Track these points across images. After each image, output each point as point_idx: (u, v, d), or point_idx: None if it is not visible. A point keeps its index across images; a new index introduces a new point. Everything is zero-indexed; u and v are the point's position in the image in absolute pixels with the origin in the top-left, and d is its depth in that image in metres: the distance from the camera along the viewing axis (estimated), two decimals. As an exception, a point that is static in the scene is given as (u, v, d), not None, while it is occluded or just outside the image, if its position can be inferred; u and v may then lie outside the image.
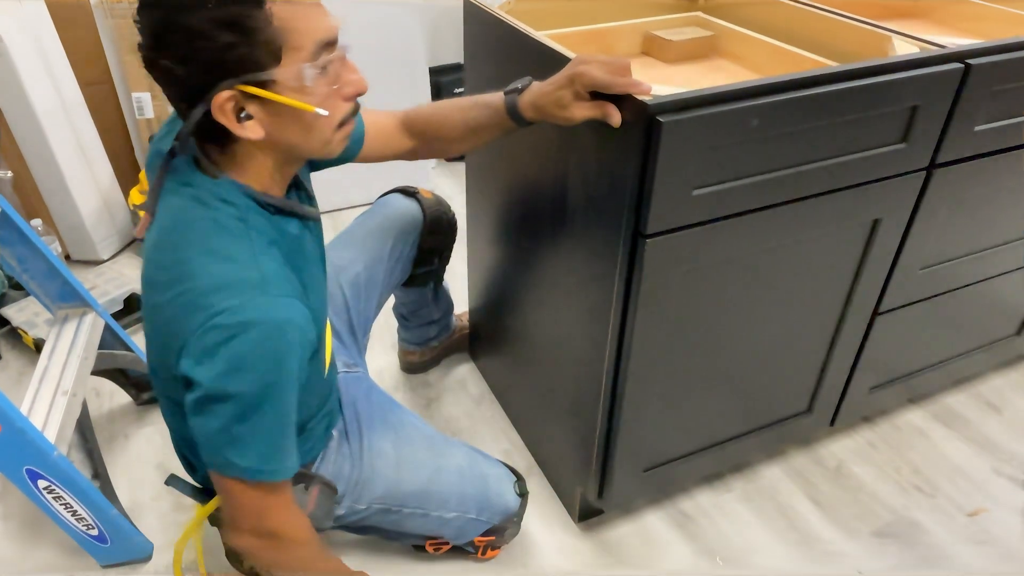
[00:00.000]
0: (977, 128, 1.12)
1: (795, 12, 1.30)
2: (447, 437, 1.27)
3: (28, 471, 1.15)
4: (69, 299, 1.46)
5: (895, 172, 1.10)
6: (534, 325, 1.37)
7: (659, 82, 1.20)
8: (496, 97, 1.02)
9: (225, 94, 0.76)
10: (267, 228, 0.86)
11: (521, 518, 1.26)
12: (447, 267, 1.56)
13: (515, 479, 1.25)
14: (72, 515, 1.22)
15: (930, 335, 1.46)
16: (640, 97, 0.88)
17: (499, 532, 1.24)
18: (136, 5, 0.76)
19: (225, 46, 0.74)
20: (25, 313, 1.79)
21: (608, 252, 1.01)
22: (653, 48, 1.32)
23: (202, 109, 0.77)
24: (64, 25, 1.96)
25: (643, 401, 1.16)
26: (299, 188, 0.98)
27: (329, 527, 1.15)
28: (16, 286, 1.88)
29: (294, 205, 0.91)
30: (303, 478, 1.07)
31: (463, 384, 1.73)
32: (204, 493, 1.10)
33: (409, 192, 1.44)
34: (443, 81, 2.57)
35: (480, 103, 1.05)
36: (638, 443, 1.23)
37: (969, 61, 1.04)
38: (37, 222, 1.93)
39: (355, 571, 1.08)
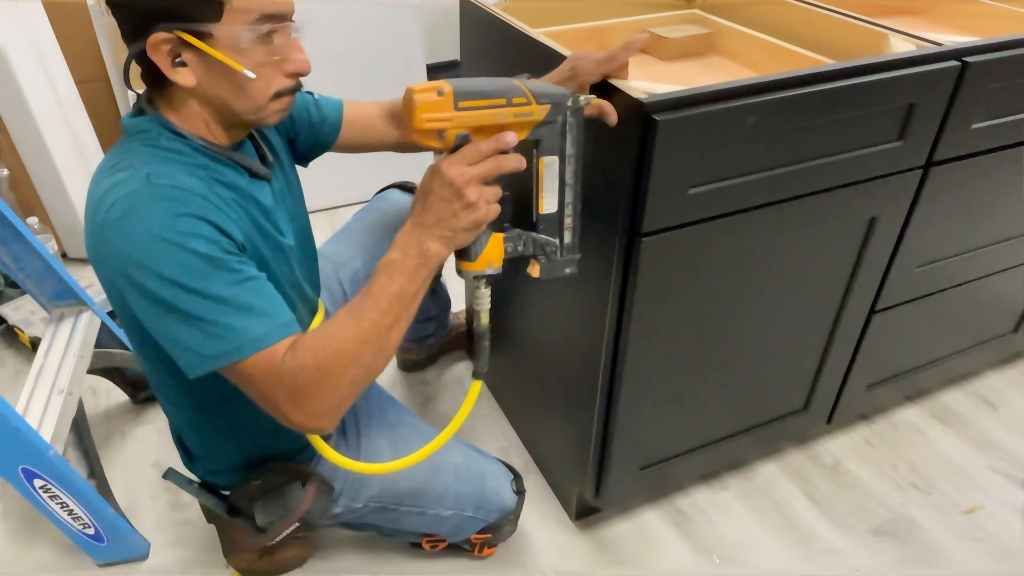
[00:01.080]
0: (974, 126, 1.12)
1: (792, 9, 1.30)
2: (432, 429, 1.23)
3: (24, 470, 1.14)
4: (65, 297, 1.46)
5: (891, 170, 1.10)
6: (530, 323, 1.37)
7: (656, 79, 1.21)
8: None
9: (161, 35, 0.77)
10: (187, 156, 0.84)
11: (518, 516, 1.26)
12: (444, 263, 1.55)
13: (512, 476, 1.25)
14: (68, 514, 1.22)
15: (927, 333, 1.46)
16: (636, 96, 0.87)
17: (496, 530, 1.24)
18: None
19: (164, 8, 0.76)
20: (21, 311, 1.78)
21: (604, 250, 1.01)
22: (650, 45, 1.32)
23: (138, 46, 0.79)
24: (60, 22, 1.95)
25: (639, 399, 1.16)
26: (258, 148, 0.96)
27: (325, 525, 1.15)
28: (12, 284, 1.87)
29: (231, 153, 0.88)
30: (299, 475, 1.07)
31: (460, 382, 1.73)
32: (204, 488, 1.10)
33: (407, 187, 1.43)
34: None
35: None
36: (634, 441, 1.22)
37: (966, 59, 1.04)
38: (33, 220, 1.92)
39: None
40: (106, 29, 2.06)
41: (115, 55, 2.09)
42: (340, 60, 2.15)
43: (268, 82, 0.84)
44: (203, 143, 0.86)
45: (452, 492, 1.18)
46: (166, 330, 0.79)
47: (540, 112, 0.83)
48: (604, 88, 0.93)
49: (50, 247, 1.93)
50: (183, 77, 0.81)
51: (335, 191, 2.40)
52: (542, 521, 1.40)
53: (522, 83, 0.82)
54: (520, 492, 1.25)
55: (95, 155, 2.09)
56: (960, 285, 1.39)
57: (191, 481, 1.10)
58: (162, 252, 0.75)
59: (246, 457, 1.07)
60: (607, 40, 1.30)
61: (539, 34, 1.10)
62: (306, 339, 0.82)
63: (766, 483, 1.48)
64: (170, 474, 1.09)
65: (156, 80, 0.83)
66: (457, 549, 1.29)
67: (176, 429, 1.09)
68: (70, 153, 1.98)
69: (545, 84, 0.85)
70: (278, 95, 0.86)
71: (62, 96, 1.95)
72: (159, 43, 0.78)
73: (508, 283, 1.44)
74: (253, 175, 0.92)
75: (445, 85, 0.78)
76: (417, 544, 1.28)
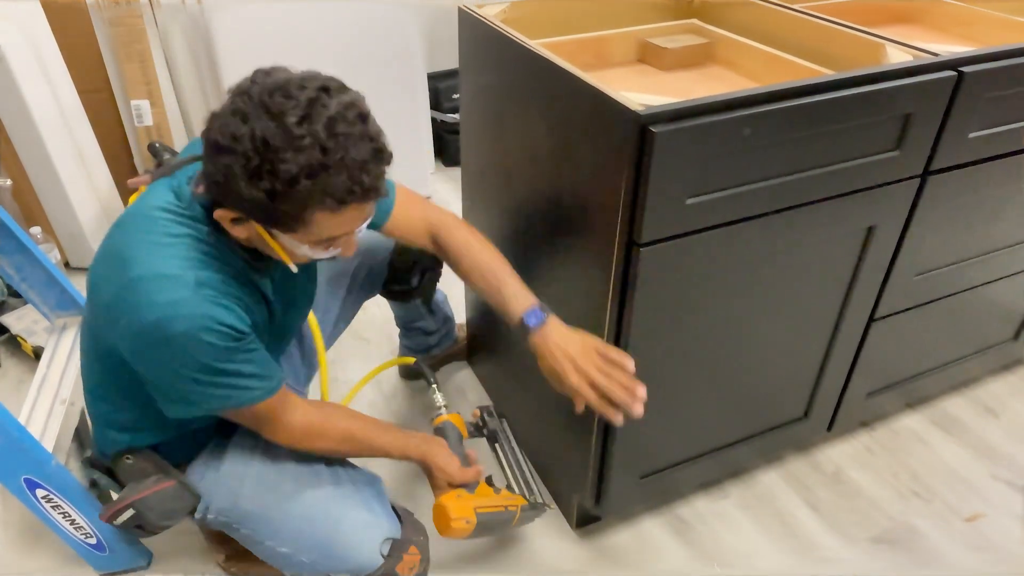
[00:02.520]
0: (971, 135, 1.13)
1: (790, 19, 1.30)
2: (345, 471, 1.13)
3: (26, 480, 1.15)
4: (67, 307, 1.46)
5: (889, 179, 1.10)
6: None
7: (654, 89, 1.22)
8: (517, 306, 1.08)
9: (231, 214, 0.87)
10: (223, 253, 0.94)
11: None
12: (436, 285, 1.54)
13: (388, 538, 1.05)
14: (70, 524, 1.22)
15: (927, 340, 1.46)
16: (633, 107, 0.88)
17: None
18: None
19: (250, 210, 0.84)
20: (24, 321, 1.79)
21: (603, 260, 1.02)
22: (648, 55, 1.32)
23: (207, 200, 0.89)
24: (63, 32, 1.96)
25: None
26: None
27: (167, 526, 1.12)
28: (15, 294, 1.88)
29: (251, 263, 0.98)
30: (163, 469, 1.09)
31: (462, 391, 1.73)
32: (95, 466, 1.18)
33: None
34: (441, 87, 2.58)
35: (504, 293, 1.10)
36: (635, 450, 1.23)
37: (962, 69, 1.04)
38: (36, 230, 1.93)
39: (413, 435, 1.16)
40: (109, 39, 2.08)
41: (117, 65, 2.10)
42: (341, 59, 2.16)
43: (307, 257, 0.94)
44: (242, 252, 0.96)
45: (292, 529, 1.05)
46: (164, 392, 0.96)
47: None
48: (595, 98, 0.94)
49: (52, 257, 1.94)
50: (237, 231, 0.90)
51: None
52: (543, 530, 1.40)
53: (518, 517, 1.21)
54: (389, 557, 1.03)
55: (97, 165, 2.10)
56: (959, 293, 1.39)
57: (88, 458, 1.19)
58: (194, 347, 0.89)
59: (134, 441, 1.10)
60: (606, 50, 1.31)
61: (537, 45, 1.11)
62: (301, 424, 1.04)
63: (767, 491, 1.48)
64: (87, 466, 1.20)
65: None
66: None
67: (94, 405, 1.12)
68: (72, 163, 1.99)
69: (529, 514, 1.24)
70: (314, 260, 0.97)
71: (65, 106, 1.96)
72: (225, 216, 0.87)
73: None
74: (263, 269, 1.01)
75: (467, 533, 1.11)
76: None
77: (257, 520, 1.07)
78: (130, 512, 1.08)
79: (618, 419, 1.02)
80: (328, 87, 0.83)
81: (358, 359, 1.81)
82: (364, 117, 0.84)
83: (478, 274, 1.14)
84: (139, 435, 1.08)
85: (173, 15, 2.10)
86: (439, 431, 1.22)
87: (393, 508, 1.12)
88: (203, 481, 1.11)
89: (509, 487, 1.26)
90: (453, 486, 1.13)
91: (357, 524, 1.05)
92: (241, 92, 0.82)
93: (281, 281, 1.05)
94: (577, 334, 1.05)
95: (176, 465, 1.11)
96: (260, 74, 0.84)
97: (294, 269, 0.95)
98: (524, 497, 1.24)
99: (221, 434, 1.14)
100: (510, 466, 1.29)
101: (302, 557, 1.04)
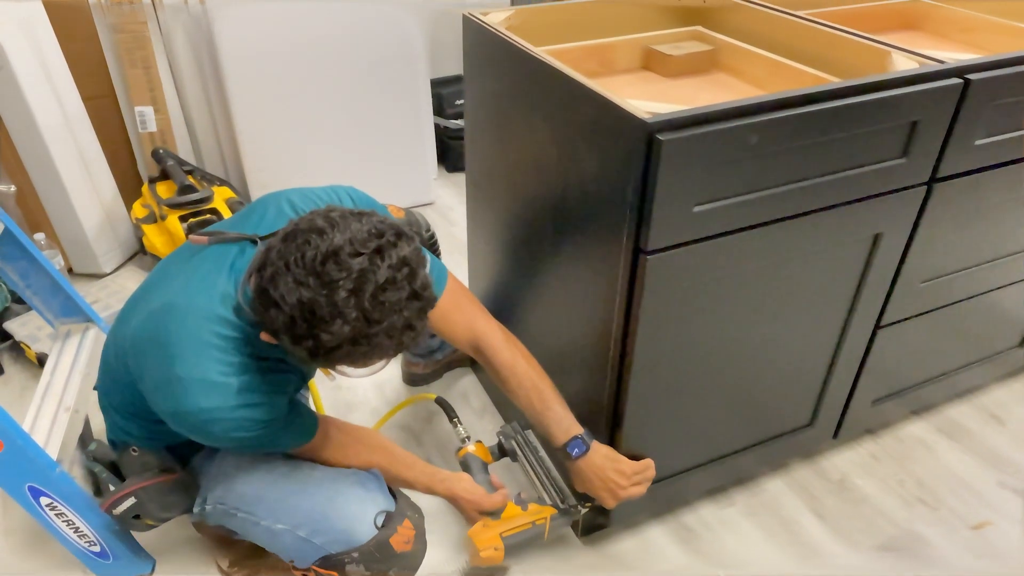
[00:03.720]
0: (977, 142, 1.13)
1: (795, 26, 1.30)
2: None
3: (30, 488, 1.14)
4: (71, 314, 1.46)
5: (895, 187, 1.10)
6: (535, 338, 1.37)
7: (659, 96, 1.22)
8: (561, 434, 1.14)
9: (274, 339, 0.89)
10: (271, 355, 1.00)
11: (375, 559, 1.03)
12: None
13: (382, 511, 1.05)
14: (74, 531, 1.22)
15: (933, 347, 1.45)
16: (640, 115, 0.88)
17: (336, 566, 1.03)
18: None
19: (288, 350, 0.88)
20: (28, 327, 1.79)
21: (609, 268, 1.01)
22: (653, 62, 1.32)
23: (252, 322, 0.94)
24: (67, 39, 1.97)
25: (645, 416, 1.16)
26: None
27: (165, 519, 1.15)
28: (18, 300, 1.88)
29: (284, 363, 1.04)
30: (165, 463, 1.13)
31: (465, 396, 1.73)
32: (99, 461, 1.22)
33: None
34: (444, 93, 2.58)
35: (548, 418, 1.15)
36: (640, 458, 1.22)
37: (968, 76, 1.04)
38: (40, 236, 1.93)
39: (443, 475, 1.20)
40: (113, 46, 2.08)
41: (121, 71, 2.11)
42: (344, 65, 2.17)
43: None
44: (263, 353, 0.99)
45: (289, 504, 1.06)
46: (200, 439, 1.03)
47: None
48: (601, 105, 0.94)
49: (56, 263, 1.93)
50: (269, 338, 0.90)
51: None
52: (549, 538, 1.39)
53: (548, 528, 1.22)
54: (383, 527, 1.04)
55: (101, 171, 2.10)
56: (965, 300, 1.39)
57: (94, 456, 1.22)
58: (230, 437, 0.99)
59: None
60: (610, 57, 1.31)
61: (541, 52, 1.11)
62: (348, 452, 1.14)
63: (772, 499, 1.47)
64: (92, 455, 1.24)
65: None
66: None
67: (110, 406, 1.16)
68: (77, 169, 2.00)
69: (560, 520, 1.24)
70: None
71: (69, 112, 1.97)
72: (271, 338, 0.90)
73: (512, 297, 1.44)
74: None
75: (500, 558, 1.17)
76: None
77: (253, 500, 1.08)
78: (131, 501, 1.09)
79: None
80: (382, 249, 0.83)
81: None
82: (413, 275, 0.85)
83: (523, 393, 1.17)
84: (152, 442, 1.14)
85: (175, 15, 2.10)
86: (463, 464, 1.28)
87: (389, 489, 1.13)
88: (201, 474, 1.15)
89: (540, 499, 1.28)
90: (483, 514, 1.19)
91: (351, 497, 1.06)
92: (297, 245, 0.83)
93: None
94: (612, 462, 1.15)
95: (181, 462, 1.16)
96: (313, 230, 0.83)
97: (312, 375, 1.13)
98: (555, 506, 1.26)
99: None
100: (538, 476, 1.30)
101: (299, 532, 1.04)
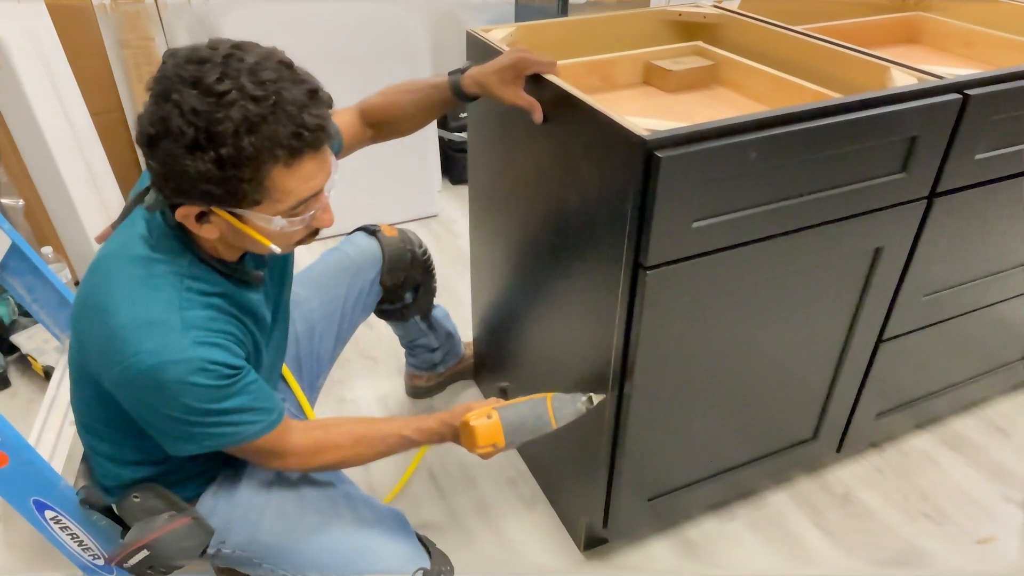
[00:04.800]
0: (977, 156, 1.13)
1: (795, 42, 1.31)
2: (367, 506, 1.11)
3: (35, 502, 1.15)
4: (78, 328, 1.47)
5: (895, 201, 1.10)
6: (538, 353, 1.38)
7: (659, 111, 1.22)
8: (440, 77, 1.12)
9: (191, 208, 0.83)
10: (208, 282, 0.91)
11: None
12: (432, 298, 1.56)
13: (421, 569, 1.04)
14: (78, 545, 1.23)
15: (936, 361, 1.45)
16: (638, 132, 0.89)
17: None
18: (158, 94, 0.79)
19: (208, 191, 0.79)
20: (35, 340, 1.80)
21: (609, 283, 1.02)
22: (654, 77, 1.33)
23: (165, 204, 0.86)
24: (76, 55, 1.99)
25: (647, 430, 1.16)
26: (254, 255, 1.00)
27: (180, 566, 1.10)
28: (25, 313, 1.90)
29: (236, 270, 0.95)
30: (175, 506, 1.05)
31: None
32: (93, 505, 1.11)
33: (371, 230, 1.44)
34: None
35: (426, 84, 1.14)
36: (643, 472, 1.22)
37: (967, 92, 1.05)
38: (48, 249, 1.95)
39: (403, 420, 1.09)
40: (121, 61, 2.10)
41: (130, 87, 2.13)
42: (350, 77, 2.17)
43: (290, 240, 0.91)
44: (219, 264, 0.92)
45: (323, 561, 1.03)
46: (165, 433, 0.93)
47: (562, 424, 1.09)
48: (601, 122, 0.94)
49: (63, 276, 1.95)
50: (206, 232, 0.86)
51: (344, 219, 2.41)
52: (550, 551, 1.39)
53: (552, 414, 1.07)
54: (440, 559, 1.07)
55: (108, 185, 2.12)
56: (968, 313, 1.39)
57: (84, 499, 1.12)
58: (188, 391, 0.86)
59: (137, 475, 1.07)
60: (611, 72, 1.32)
61: (542, 69, 1.12)
62: (323, 445, 1.02)
63: (776, 512, 1.47)
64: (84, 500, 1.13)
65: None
66: None
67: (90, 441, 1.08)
68: (84, 183, 2.02)
69: (568, 408, 1.08)
70: (297, 243, 0.94)
71: (77, 127, 1.99)
72: (187, 211, 0.83)
73: (514, 311, 1.45)
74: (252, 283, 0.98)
75: (499, 436, 1.04)
76: None
77: (280, 554, 1.05)
78: (143, 554, 1.03)
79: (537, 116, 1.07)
80: (240, 44, 0.80)
81: (365, 377, 1.81)
82: (288, 64, 0.81)
83: (406, 96, 1.15)
84: (141, 468, 1.05)
85: (182, 30, 2.12)
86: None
87: (419, 538, 1.11)
88: (216, 514, 1.07)
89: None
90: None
91: (387, 554, 1.04)
92: (156, 79, 0.79)
93: (270, 288, 1.04)
94: (501, 56, 1.08)
95: (186, 500, 1.07)
96: (168, 55, 0.80)
97: (278, 251, 0.89)
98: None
99: (231, 465, 1.10)
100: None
101: None
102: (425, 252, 1.48)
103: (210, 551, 1.08)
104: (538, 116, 1.07)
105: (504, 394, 1.20)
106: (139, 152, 0.93)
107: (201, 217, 0.84)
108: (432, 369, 1.71)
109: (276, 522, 1.05)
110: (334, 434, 1.05)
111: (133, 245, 0.89)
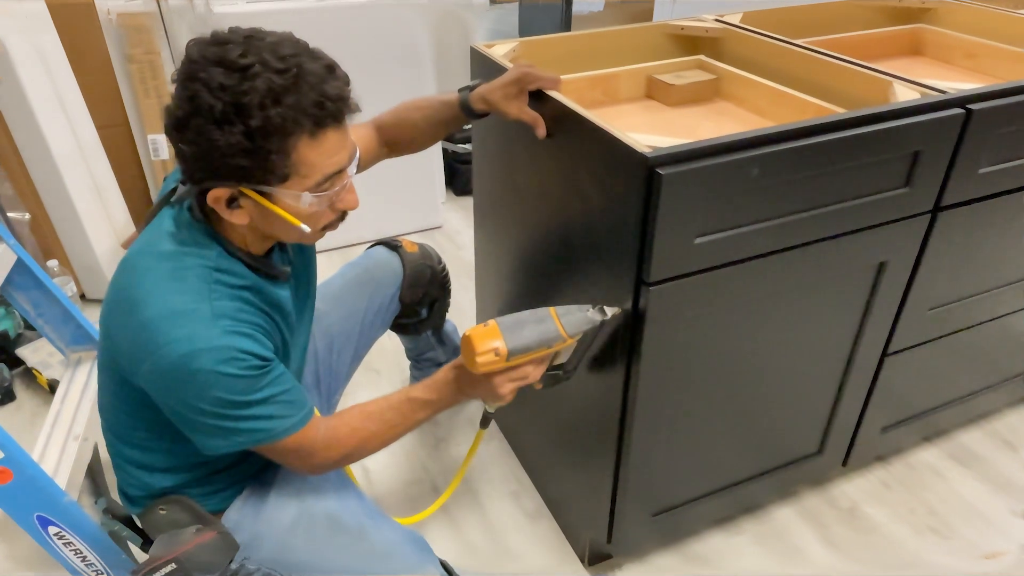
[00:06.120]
0: (981, 171, 1.13)
1: (797, 56, 1.31)
2: (388, 521, 1.13)
3: (39, 517, 1.15)
4: (82, 342, 1.48)
5: (899, 216, 1.10)
6: (541, 367, 1.37)
7: (662, 126, 1.23)
8: (450, 95, 1.14)
9: (222, 191, 0.84)
10: (237, 275, 0.92)
11: None
12: (446, 313, 1.55)
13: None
14: (82, 561, 1.22)
15: (942, 374, 1.44)
16: (640, 149, 0.89)
17: None
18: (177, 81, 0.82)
19: (238, 166, 0.81)
20: (39, 354, 1.81)
21: (613, 299, 1.02)
22: (656, 91, 1.33)
23: (193, 196, 0.88)
24: (82, 70, 2.01)
25: (651, 445, 1.15)
26: (283, 247, 1.02)
27: None
28: (30, 327, 1.90)
29: (263, 264, 0.96)
30: (202, 519, 1.04)
31: (473, 423, 1.73)
32: (116, 516, 1.11)
33: (392, 246, 1.44)
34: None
35: (435, 101, 1.16)
36: (647, 487, 1.22)
37: (970, 106, 1.04)
38: (53, 263, 1.96)
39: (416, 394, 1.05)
40: (127, 76, 2.12)
41: (135, 101, 2.14)
42: (346, 64, 2.17)
43: (318, 221, 0.91)
44: (247, 257, 0.93)
45: (349, 572, 1.06)
46: (197, 428, 0.91)
47: (574, 340, 1.02)
48: (602, 139, 0.95)
49: (68, 289, 1.96)
50: (237, 217, 0.87)
51: (351, 230, 2.42)
52: (554, 566, 1.38)
53: (558, 320, 0.99)
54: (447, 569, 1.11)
55: (114, 198, 2.13)
56: (975, 327, 1.38)
57: (107, 510, 1.12)
58: (220, 381, 0.86)
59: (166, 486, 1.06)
60: (614, 86, 1.32)
61: (545, 85, 1.12)
62: (339, 434, 0.99)
63: (782, 527, 1.46)
64: (108, 517, 1.12)
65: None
66: None
67: (118, 447, 1.07)
68: (90, 197, 2.03)
69: (576, 316, 1.00)
70: (324, 227, 0.94)
71: (83, 141, 2.00)
72: (218, 195, 0.84)
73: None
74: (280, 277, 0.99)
75: (499, 340, 0.96)
76: None
77: (310, 569, 1.06)
78: (170, 567, 1.02)
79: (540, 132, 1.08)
80: (258, 28, 0.83)
81: (368, 389, 1.81)
82: (305, 45, 0.84)
83: (417, 114, 1.17)
84: (169, 476, 1.04)
85: (182, 21, 2.13)
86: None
87: (441, 563, 1.12)
88: (242, 529, 1.06)
89: None
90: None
91: (408, 555, 1.08)
92: (182, 65, 0.82)
93: (296, 288, 1.05)
94: (506, 72, 1.11)
95: (211, 513, 1.06)
96: (191, 43, 0.83)
97: (307, 230, 0.89)
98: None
99: (258, 478, 1.10)
100: None
101: None
102: (444, 269, 1.48)
103: (233, 566, 1.07)
104: (541, 131, 1.07)
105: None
106: (168, 143, 0.94)
107: (231, 203, 0.86)
108: (438, 367, 1.69)
109: (305, 541, 1.05)
110: (345, 419, 1.03)
111: (161, 241, 0.90)
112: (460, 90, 1.14)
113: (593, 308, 1.01)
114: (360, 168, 1.15)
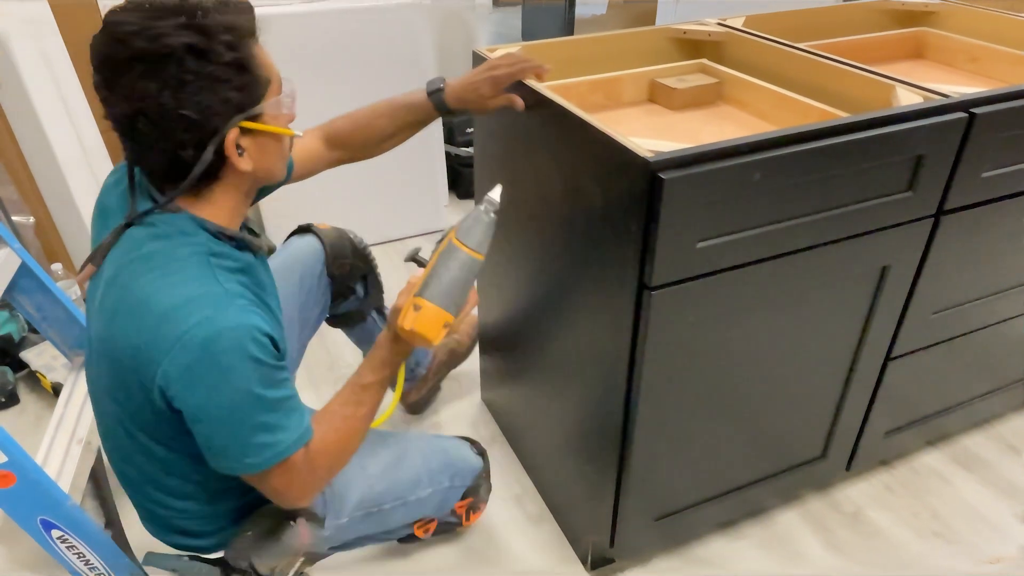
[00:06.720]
0: (984, 175, 1.12)
1: (799, 59, 1.31)
2: (399, 432, 1.30)
3: (42, 521, 1.15)
4: (86, 345, 1.48)
5: (902, 220, 1.10)
6: (544, 370, 1.37)
7: (664, 130, 1.23)
8: (418, 96, 1.18)
9: (233, 133, 0.83)
10: (231, 258, 0.90)
11: (489, 473, 1.33)
12: (382, 289, 1.54)
13: (469, 443, 1.32)
14: (85, 564, 1.23)
15: (946, 378, 1.44)
16: (642, 154, 0.89)
17: (474, 492, 1.30)
18: (117, 60, 0.79)
19: (238, 86, 0.82)
20: (43, 357, 1.81)
21: (615, 302, 1.02)
22: (659, 95, 1.33)
23: (212, 149, 0.83)
24: (86, 74, 2.01)
25: (654, 450, 1.15)
26: (246, 223, 1.00)
27: (323, 554, 1.14)
28: (34, 330, 1.91)
29: (248, 238, 0.94)
30: (287, 513, 1.05)
31: (474, 425, 1.73)
32: (193, 558, 1.08)
33: (304, 228, 1.44)
34: (455, 121, 2.61)
35: (402, 104, 1.19)
36: (650, 491, 1.21)
37: (973, 110, 1.04)
38: (57, 266, 1.96)
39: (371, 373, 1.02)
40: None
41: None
42: (348, 64, 2.18)
43: (290, 119, 0.93)
44: (230, 234, 0.91)
45: (424, 472, 1.22)
46: (216, 430, 0.87)
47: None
48: (604, 143, 0.95)
49: (72, 292, 1.96)
50: (245, 163, 0.87)
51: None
52: (557, 570, 1.38)
53: (470, 249, 0.95)
54: (482, 453, 1.32)
55: (118, 202, 2.13)
56: (978, 330, 1.38)
57: (179, 555, 1.08)
58: (244, 365, 0.83)
59: (233, 511, 1.06)
60: (616, 90, 1.32)
61: (546, 88, 1.12)
62: (315, 443, 0.94)
63: (785, 532, 1.46)
64: (151, 558, 1.08)
65: (198, 181, 0.86)
66: (447, 529, 1.35)
67: (152, 502, 1.03)
68: (94, 201, 2.03)
69: (477, 229, 0.96)
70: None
71: (87, 145, 2.01)
72: (232, 141, 0.84)
73: (520, 325, 1.45)
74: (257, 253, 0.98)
75: (436, 313, 0.93)
76: (409, 536, 1.28)
77: (395, 487, 1.19)
78: (300, 561, 1.08)
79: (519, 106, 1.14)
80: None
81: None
82: None
83: (380, 120, 1.19)
84: (231, 497, 1.04)
85: None
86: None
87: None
88: (320, 501, 1.10)
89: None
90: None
91: (454, 443, 1.30)
92: (143, 65, 0.79)
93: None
94: (477, 72, 1.15)
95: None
96: (100, 41, 0.83)
97: (299, 134, 0.94)
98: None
99: None
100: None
101: (442, 486, 1.24)
102: (362, 242, 1.47)
103: (326, 533, 1.11)
104: (520, 105, 1.14)
105: (418, 262, 1.17)
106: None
107: (238, 149, 0.85)
108: (413, 378, 1.69)
109: (367, 473, 1.16)
110: (333, 423, 1.00)
111: (141, 246, 0.87)
112: (430, 92, 1.16)
113: (482, 207, 0.97)
114: (303, 174, 1.23)
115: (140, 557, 1.34)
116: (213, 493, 1.02)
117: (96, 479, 1.33)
